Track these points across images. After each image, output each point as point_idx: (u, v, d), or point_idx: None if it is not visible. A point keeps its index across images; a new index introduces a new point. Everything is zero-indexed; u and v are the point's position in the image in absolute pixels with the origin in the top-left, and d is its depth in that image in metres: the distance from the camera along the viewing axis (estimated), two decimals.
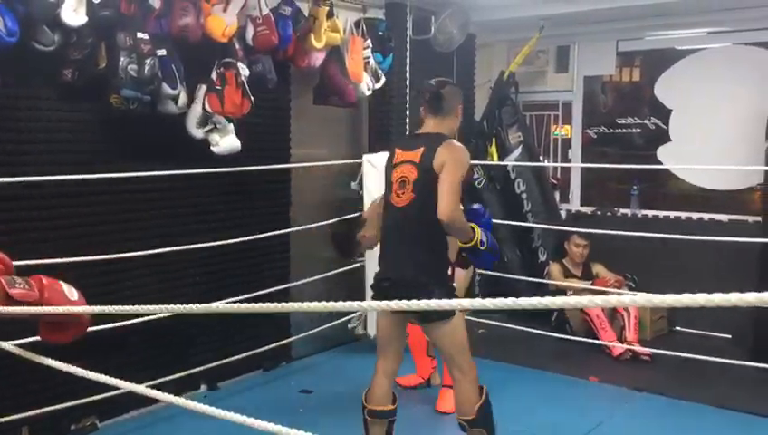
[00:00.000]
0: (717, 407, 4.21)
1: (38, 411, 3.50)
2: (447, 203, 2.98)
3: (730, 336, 5.20)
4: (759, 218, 5.23)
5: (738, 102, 5.49)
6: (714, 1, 5.23)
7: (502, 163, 6.07)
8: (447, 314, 3.05)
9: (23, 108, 3.51)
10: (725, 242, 4.58)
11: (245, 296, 4.39)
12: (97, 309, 1.94)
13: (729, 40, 5.68)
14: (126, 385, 1.79)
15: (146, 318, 3.76)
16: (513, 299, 1.19)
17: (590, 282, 5.55)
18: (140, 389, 1.81)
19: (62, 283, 1.93)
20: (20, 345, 1.95)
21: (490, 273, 5.92)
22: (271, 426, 1.45)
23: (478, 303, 1.29)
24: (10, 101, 3.42)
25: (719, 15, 5.48)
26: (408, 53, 5.55)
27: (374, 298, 3.24)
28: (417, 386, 4.59)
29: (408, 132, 3.32)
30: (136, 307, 1.84)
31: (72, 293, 1.97)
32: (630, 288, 5.39)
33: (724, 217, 5.66)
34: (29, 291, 1.87)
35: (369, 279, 5.12)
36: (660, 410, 4.25)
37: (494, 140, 6.16)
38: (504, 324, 5.37)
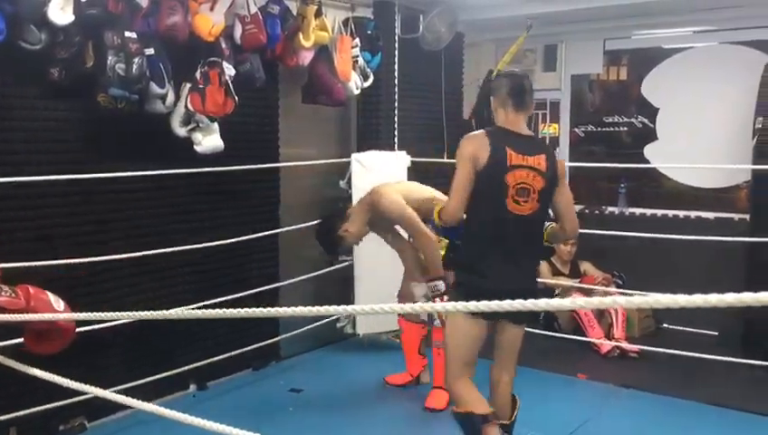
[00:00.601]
0: (705, 403, 4.25)
1: (26, 412, 3.47)
2: (575, 218, 3.10)
3: (717, 333, 5.24)
4: (746, 216, 5.27)
5: (724, 101, 5.54)
6: (699, 0, 5.26)
7: None
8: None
9: (9, 107, 3.48)
10: (713, 240, 4.61)
11: (235, 296, 4.39)
12: (82, 316, 1.94)
13: (715, 39, 5.72)
14: (94, 390, 1.79)
15: (133, 320, 3.74)
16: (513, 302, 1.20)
17: (578, 280, 5.58)
18: (107, 394, 1.81)
19: (48, 293, 1.93)
20: (3, 349, 1.93)
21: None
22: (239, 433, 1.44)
23: (473, 306, 1.30)
24: None
25: (705, 15, 5.52)
26: (396, 52, 5.55)
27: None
28: (407, 384, 4.59)
29: (497, 128, 3.06)
30: (120, 313, 1.83)
31: (58, 303, 1.97)
32: (618, 286, 5.42)
33: (710, 215, 5.70)
34: (15, 299, 1.86)
35: (359, 278, 5.19)
36: (648, 407, 4.29)
37: None
38: None
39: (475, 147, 2.95)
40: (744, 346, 4.78)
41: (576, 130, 6.48)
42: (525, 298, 1.22)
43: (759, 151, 4.85)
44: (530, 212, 2.96)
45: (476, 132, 3.08)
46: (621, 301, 1.20)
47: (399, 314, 4.40)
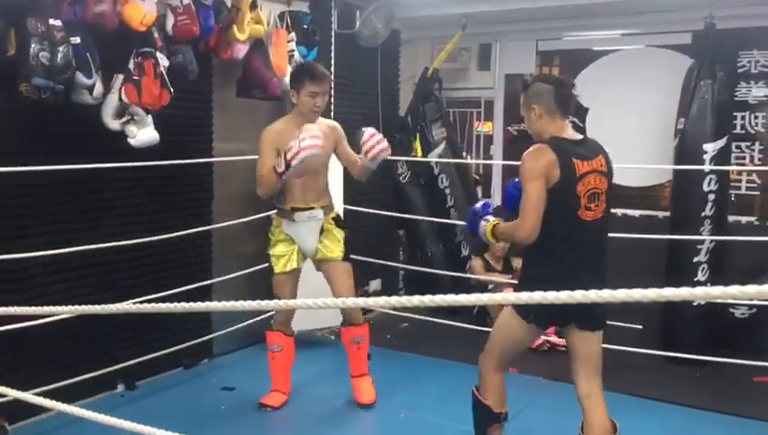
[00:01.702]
0: (629, 394, 4.39)
1: None
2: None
3: (641, 327, 5.42)
4: (668, 214, 5.47)
5: (650, 102, 5.72)
6: (628, 4, 5.42)
7: (425, 160, 6.14)
8: None
9: None
10: (637, 237, 4.77)
11: (167, 293, 4.30)
12: (11, 310, 1.87)
13: (642, 42, 5.90)
14: (12, 393, 1.72)
15: (60, 317, 3.62)
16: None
17: (510, 275, 5.68)
18: (26, 396, 1.75)
19: None
20: None
21: (413, 268, 6.00)
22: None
23: (418, 300, 1.31)
24: None
25: (633, 18, 5.69)
26: (332, 48, 5.53)
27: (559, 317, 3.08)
28: (285, 403, 4.32)
29: (556, 139, 2.95)
30: (52, 308, 1.78)
31: None
32: None
33: (636, 213, 5.90)
34: None
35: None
36: (575, 399, 4.38)
37: (417, 135, 6.23)
38: (427, 318, 5.44)
39: (545, 163, 2.85)
40: (666, 339, 4.97)
41: (509, 128, 6.59)
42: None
43: (680, 151, 5.04)
44: (601, 215, 2.96)
45: (540, 147, 2.91)
46: (551, 297, 1.23)
47: (271, 329, 4.32)
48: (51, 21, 3.40)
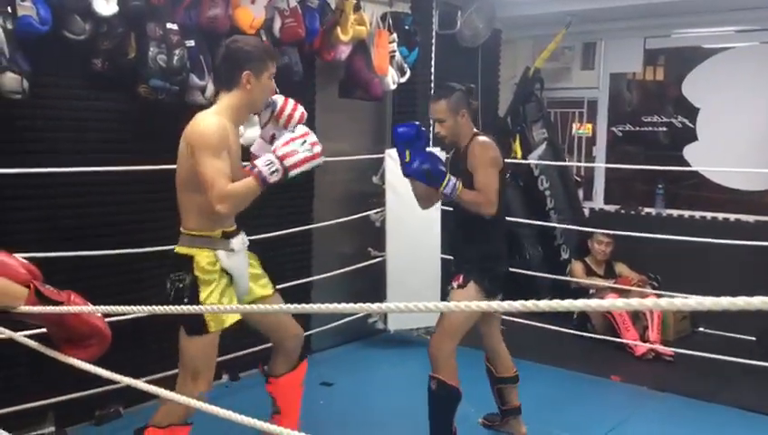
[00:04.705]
0: (740, 409, 4.18)
1: (63, 398, 3.53)
2: None
3: (755, 338, 5.14)
4: None
5: (765, 103, 5.43)
6: None
7: (525, 162, 6.05)
8: None
9: (53, 96, 3.53)
10: (752, 244, 4.52)
11: None
12: (137, 308, 1.97)
13: (757, 39, 5.61)
14: (126, 380, 1.81)
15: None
16: (545, 302, 1.18)
17: (613, 281, 5.51)
18: (138, 383, 1.83)
19: (89, 304, 1.96)
20: (41, 337, 1.96)
21: (511, 270, 5.91)
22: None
23: (507, 304, 1.28)
24: (41, 90, 3.43)
25: (748, 14, 5.42)
26: (433, 48, 5.54)
27: None
28: None
29: (485, 133, 3.53)
30: (158, 307, 1.85)
31: (96, 312, 2.00)
32: (653, 288, 5.34)
33: (750, 218, 5.60)
34: (57, 293, 1.89)
35: (392, 273, 5.18)
36: (682, 411, 4.22)
37: (517, 136, 6.14)
38: (525, 321, 5.34)
39: (499, 153, 3.36)
40: None
41: (613, 129, 6.41)
42: None
43: None
44: None
45: (490, 141, 3.39)
46: (663, 303, 1.17)
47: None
48: (168, 25, 3.57)
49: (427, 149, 3.36)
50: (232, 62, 2.80)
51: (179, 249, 2.81)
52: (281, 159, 2.68)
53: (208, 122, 2.71)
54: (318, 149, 2.80)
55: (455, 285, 3.42)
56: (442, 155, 4.01)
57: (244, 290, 2.95)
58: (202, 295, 2.72)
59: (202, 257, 2.76)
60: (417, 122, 3.38)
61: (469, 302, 1.43)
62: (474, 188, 3.27)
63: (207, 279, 2.74)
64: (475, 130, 3.42)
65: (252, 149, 3.08)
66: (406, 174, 3.32)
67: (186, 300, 2.70)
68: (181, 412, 2.78)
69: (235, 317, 2.84)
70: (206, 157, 2.64)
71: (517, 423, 3.77)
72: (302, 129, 2.84)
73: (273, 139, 2.98)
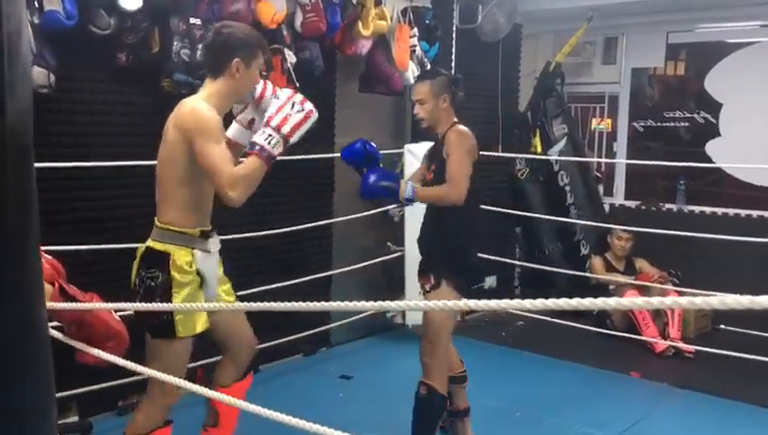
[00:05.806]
0: (761, 406, 4.15)
1: (87, 389, 3.58)
2: None
3: None
4: None
5: None
6: None
7: (545, 157, 6.03)
8: None
9: (78, 90, 3.57)
10: None
11: (288, 283, 4.43)
12: (158, 306, 1.99)
13: None
14: (147, 371, 1.85)
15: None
16: (564, 301, 1.18)
17: (633, 277, 5.47)
18: (161, 376, 1.87)
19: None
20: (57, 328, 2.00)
21: (531, 265, 5.91)
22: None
23: (516, 304, 1.29)
24: (66, 84, 3.47)
25: None
26: (453, 43, 5.53)
27: None
28: None
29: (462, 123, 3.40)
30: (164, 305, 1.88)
31: (116, 315, 2.03)
32: (674, 284, 5.30)
33: None
34: (82, 293, 1.93)
35: (410, 267, 5.18)
36: (702, 408, 4.20)
37: (537, 131, 6.12)
38: (544, 318, 5.33)
39: (474, 143, 3.26)
40: None
41: (635, 124, 6.36)
42: None
43: None
44: None
45: (466, 130, 3.27)
46: (683, 301, 1.16)
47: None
48: (191, 20, 3.60)
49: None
50: (222, 48, 2.63)
51: (154, 244, 2.60)
52: (277, 128, 2.54)
53: (204, 109, 2.57)
54: (308, 106, 2.60)
55: (427, 287, 3.33)
56: (424, 146, 3.94)
57: (212, 294, 2.73)
58: (175, 298, 2.52)
59: (180, 256, 2.57)
60: (361, 139, 3.29)
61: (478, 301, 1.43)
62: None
63: (183, 281, 2.56)
64: (455, 119, 3.33)
65: (229, 134, 2.87)
66: (362, 196, 3.27)
67: (157, 299, 2.50)
68: (159, 416, 2.70)
69: (206, 324, 2.67)
70: (208, 144, 2.49)
71: (463, 427, 3.56)
72: (286, 92, 2.65)
73: (251, 123, 2.87)
